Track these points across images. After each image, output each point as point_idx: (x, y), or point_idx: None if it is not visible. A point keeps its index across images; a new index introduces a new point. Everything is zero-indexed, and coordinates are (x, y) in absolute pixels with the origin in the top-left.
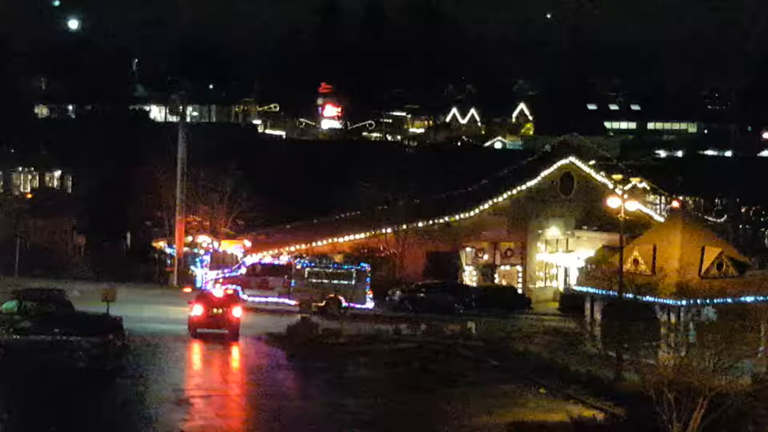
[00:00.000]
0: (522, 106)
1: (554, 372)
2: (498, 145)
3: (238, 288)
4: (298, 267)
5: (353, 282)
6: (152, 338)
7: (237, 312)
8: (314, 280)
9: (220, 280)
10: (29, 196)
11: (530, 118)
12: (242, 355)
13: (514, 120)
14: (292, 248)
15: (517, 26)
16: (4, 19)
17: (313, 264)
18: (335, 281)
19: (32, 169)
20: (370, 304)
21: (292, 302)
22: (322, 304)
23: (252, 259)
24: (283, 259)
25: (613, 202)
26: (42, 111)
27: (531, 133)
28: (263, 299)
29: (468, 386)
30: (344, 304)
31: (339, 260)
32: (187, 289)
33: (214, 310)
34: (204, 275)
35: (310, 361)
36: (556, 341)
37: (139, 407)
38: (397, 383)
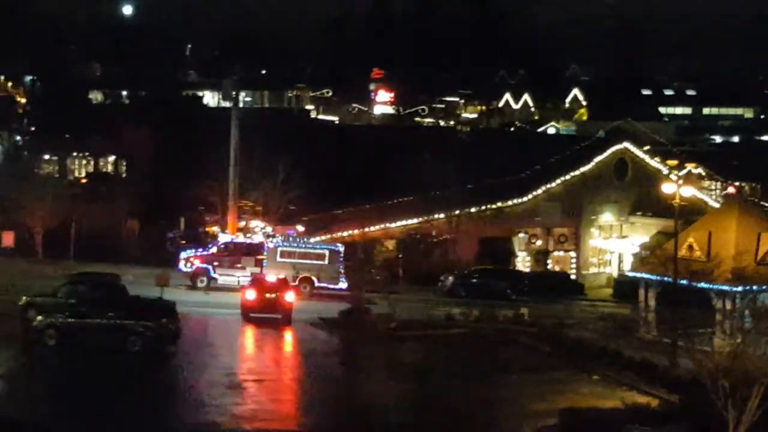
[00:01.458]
0: (576, 91)
1: (608, 358)
2: (551, 131)
3: (209, 267)
4: (270, 246)
5: (326, 262)
6: (205, 322)
7: (290, 297)
8: (286, 260)
9: (191, 258)
10: (84, 181)
11: (584, 103)
12: (295, 340)
13: (567, 105)
14: (345, 233)
15: (571, 10)
16: (58, 6)
17: (285, 243)
18: (307, 261)
19: (87, 154)
20: (342, 285)
21: None
22: (295, 283)
23: (226, 238)
24: (257, 239)
25: (667, 188)
26: (96, 97)
27: (585, 118)
28: (235, 278)
29: (521, 372)
30: (316, 283)
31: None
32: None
33: (267, 295)
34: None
35: (362, 346)
36: (610, 327)
37: (192, 391)
38: (449, 369)
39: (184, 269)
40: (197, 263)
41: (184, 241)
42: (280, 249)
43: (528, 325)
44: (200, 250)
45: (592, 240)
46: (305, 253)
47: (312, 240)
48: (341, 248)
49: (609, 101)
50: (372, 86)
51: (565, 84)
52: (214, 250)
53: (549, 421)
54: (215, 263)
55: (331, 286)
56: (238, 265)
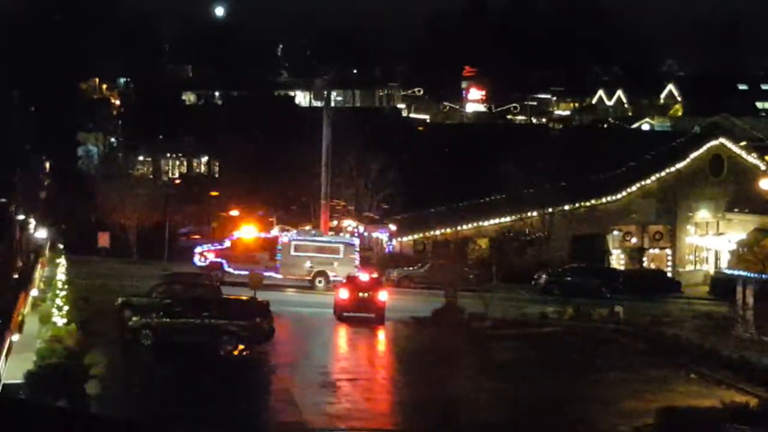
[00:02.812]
0: (670, 86)
1: (705, 357)
2: (645, 127)
3: (223, 261)
4: (284, 241)
5: (341, 256)
6: (299, 322)
7: (383, 296)
8: (300, 254)
9: (205, 253)
10: (177, 182)
11: (679, 98)
12: (388, 339)
13: (662, 101)
14: (437, 232)
15: (666, 5)
16: (151, 8)
17: (299, 238)
18: (322, 255)
19: (180, 155)
20: None
21: (279, 276)
22: (309, 277)
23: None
24: (272, 233)
25: (765, 184)
26: (189, 98)
27: (680, 114)
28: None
29: (616, 371)
30: (331, 278)
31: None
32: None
33: (360, 294)
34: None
35: (456, 345)
36: (707, 326)
37: (286, 390)
38: (543, 367)
39: (199, 263)
40: (211, 257)
41: (197, 236)
42: (294, 243)
43: (623, 324)
44: (215, 244)
45: (688, 237)
46: (320, 247)
47: (327, 233)
48: (356, 242)
49: (704, 97)
50: (464, 84)
51: (659, 79)
52: (228, 244)
53: (646, 420)
54: (230, 258)
55: None
56: (253, 260)
